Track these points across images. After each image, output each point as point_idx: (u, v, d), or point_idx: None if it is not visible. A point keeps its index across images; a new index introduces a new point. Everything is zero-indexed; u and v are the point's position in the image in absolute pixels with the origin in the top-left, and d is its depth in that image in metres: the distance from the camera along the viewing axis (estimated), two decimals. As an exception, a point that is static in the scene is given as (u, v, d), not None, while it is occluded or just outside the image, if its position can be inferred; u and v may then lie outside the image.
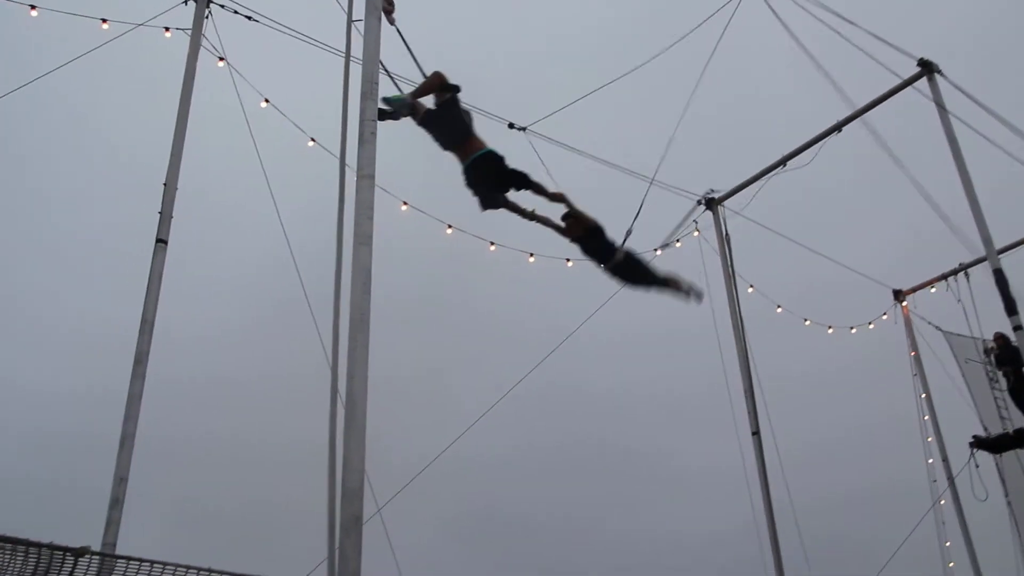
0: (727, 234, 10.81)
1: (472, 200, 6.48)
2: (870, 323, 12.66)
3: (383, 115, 6.66)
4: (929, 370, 12.09)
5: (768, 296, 11.57)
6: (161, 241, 6.93)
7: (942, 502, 11.29)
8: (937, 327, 12.09)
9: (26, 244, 14.05)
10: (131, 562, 3.97)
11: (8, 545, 3.65)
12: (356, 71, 4.78)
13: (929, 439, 11.79)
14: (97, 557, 4.04)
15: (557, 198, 6.79)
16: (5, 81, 7.38)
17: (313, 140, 8.01)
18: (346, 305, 4.15)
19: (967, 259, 11.24)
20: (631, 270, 7.23)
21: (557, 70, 16.96)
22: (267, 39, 8.33)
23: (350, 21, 5.21)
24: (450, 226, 9.13)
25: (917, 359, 12.20)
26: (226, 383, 13.71)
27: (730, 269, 10.71)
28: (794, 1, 9.01)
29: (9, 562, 3.71)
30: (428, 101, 6.32)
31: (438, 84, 6.18)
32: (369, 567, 3.60)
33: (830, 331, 12.55)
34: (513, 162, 6.45)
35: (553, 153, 9.30)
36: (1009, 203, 11.73)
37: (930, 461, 11.65)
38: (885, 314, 12.62)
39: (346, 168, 4.86)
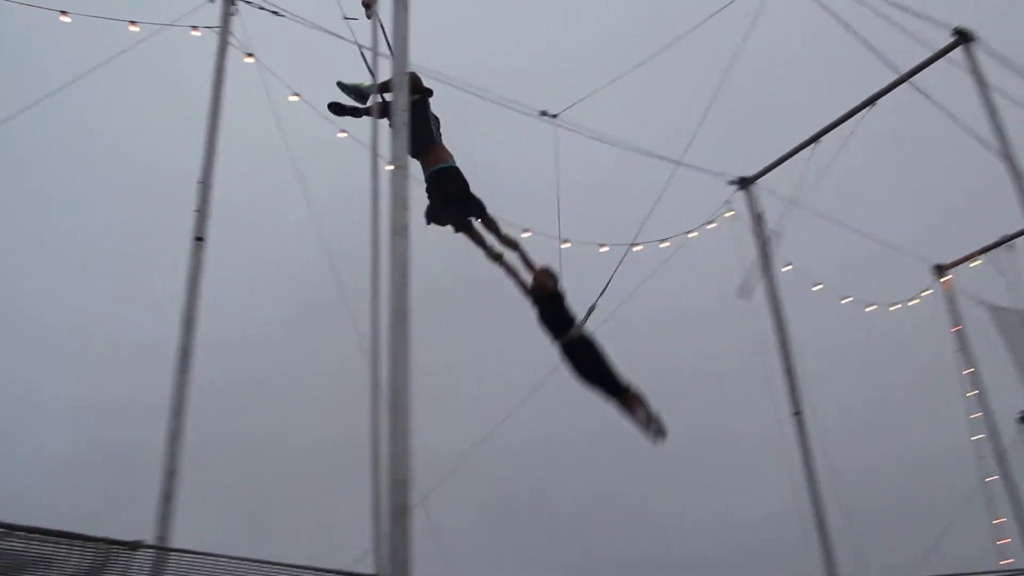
0: (762, 214, 10.72)
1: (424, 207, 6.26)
2: (911, 300, 12.41)
3: (339, 110, 6.58)
4: (973, 345, 11.85)
5: (806, 274, 11.41)
6: (199, 239, 7.06)
7: (988, 479, 11.07)
8: (981, 301, 11.81)
9: (26, 244, 14.14)
10: (184, 555, 4.06)
11: (64, 539, 3.75)
12: (383, 64, 4.81)
13: (973, 416, 11.55)
14: (152, 550, 4.14)
15: (510, 242, 6.50)
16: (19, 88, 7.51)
17: (344, 131, 8.05)
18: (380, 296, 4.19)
19: (1011, 231, 10.97)
20: (586, 356, 6.25)
21: (573, 61, 16.68)
22: (292, 34, 8.39)
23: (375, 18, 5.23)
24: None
25: (960, 334, 11.97)
26: (260, 383, 13.76)
27: (766, 250, 10.60)
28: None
29: (66, 556, 3.81)
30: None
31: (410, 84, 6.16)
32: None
33: (871, 309, 12.34)
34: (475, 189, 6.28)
35: (577, 142, 9.26)
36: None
37: (975, 439, 11.42)
38: (929, 290, 12.36)
39: (378, 159, 4.92)
